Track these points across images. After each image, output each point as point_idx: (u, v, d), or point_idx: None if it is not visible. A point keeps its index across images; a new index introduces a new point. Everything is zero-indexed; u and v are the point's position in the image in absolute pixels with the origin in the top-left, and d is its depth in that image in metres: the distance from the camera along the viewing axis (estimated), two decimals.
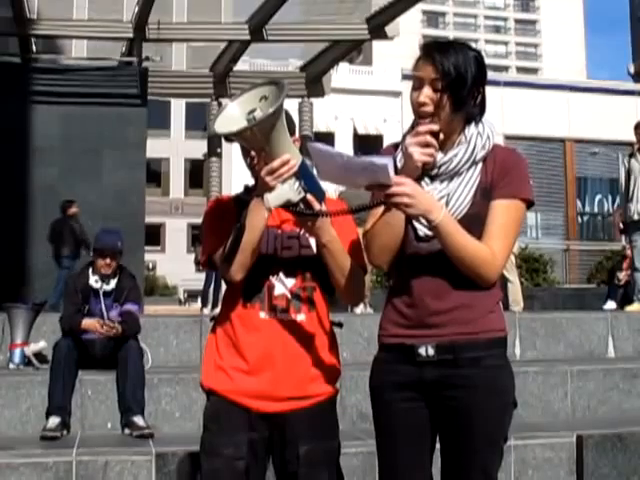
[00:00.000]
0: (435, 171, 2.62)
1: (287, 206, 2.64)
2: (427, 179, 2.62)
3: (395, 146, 2.76)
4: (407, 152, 2.53)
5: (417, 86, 2.60)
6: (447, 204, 2.59)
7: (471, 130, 2.63)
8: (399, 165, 2.60)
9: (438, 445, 2.70)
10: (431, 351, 2.59)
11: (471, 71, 2.57)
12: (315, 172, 2.59)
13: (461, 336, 2.57)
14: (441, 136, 2.56)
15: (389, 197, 2.44)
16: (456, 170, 2.62)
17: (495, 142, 2.67)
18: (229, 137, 2.60)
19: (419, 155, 2.51)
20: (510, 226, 2.61)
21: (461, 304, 2.58)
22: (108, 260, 6.34)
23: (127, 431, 5.61)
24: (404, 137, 2.63)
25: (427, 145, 2.52)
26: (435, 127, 2.54)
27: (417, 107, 2.59)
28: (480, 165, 2.64)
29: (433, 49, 2.59)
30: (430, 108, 2.56)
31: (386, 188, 2.42)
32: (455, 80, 2.53)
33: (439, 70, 2.54)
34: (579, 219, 48.46)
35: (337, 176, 2.53)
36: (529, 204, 2.65)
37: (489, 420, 2.59)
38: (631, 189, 9.33)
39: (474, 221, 2.58)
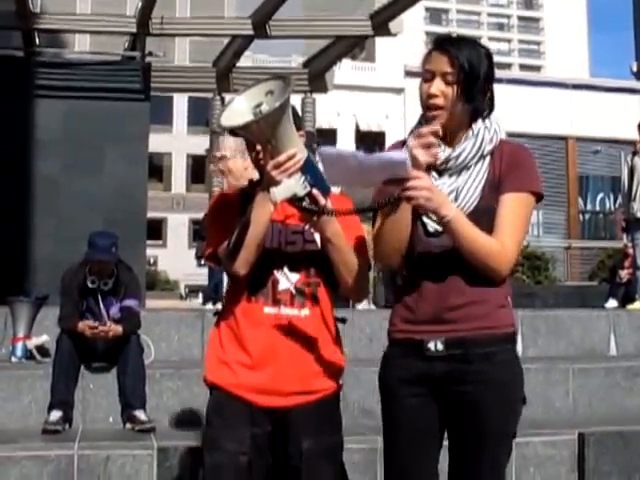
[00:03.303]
0: (444, 166, 2.62)
1: (293, 200, 2.64)
2: (435, 174, 2.63)
3: (402, 143, 2.76)
4: (411, 154, 2.54)
5: (428, 78, 2.59)
6: (456, 198, 2.60)
7: (478, 124, 2.64)
8: None
9: (446, 442, 2.70)
10: (440, 346, 2.59)
11: (483, 67, 2.58)
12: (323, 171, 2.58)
13: (472, 331, 2.57)
14: (440, 132, 2.55)
15: (407, 190, 2.43)
16: (464, 164, 2.63)
17: (502, 137, 2.68)
18: (235, 131, 2.61)
19: (423, 156, 2.52)
20: (519, 219, 2.61)
21: (473, 300, 2.58)
22: (103, 265, 6.08)
23: (129, 425, 5.61)
24: (411, 132, 2.64)
25: (430, 146, 2.53)
26: (437, 128, 2.54)
27: (427, 99, 2.59)
28: (488, 159, 2.65)
29: (447, 42, 2.60)
30: (440, 100, 2.57)
31: (404, 182, 2.42)
32: (468, 74, 2.55)
33: (454, 63, 2.55)
34: (581, 217, 48.38)
35: (350, 178, 2.53)
36: (538, 197, 2.65)
37: (498, 416, 2.59)
38: (634, 188, 9.30)
39: (483, 214, 2.58)
